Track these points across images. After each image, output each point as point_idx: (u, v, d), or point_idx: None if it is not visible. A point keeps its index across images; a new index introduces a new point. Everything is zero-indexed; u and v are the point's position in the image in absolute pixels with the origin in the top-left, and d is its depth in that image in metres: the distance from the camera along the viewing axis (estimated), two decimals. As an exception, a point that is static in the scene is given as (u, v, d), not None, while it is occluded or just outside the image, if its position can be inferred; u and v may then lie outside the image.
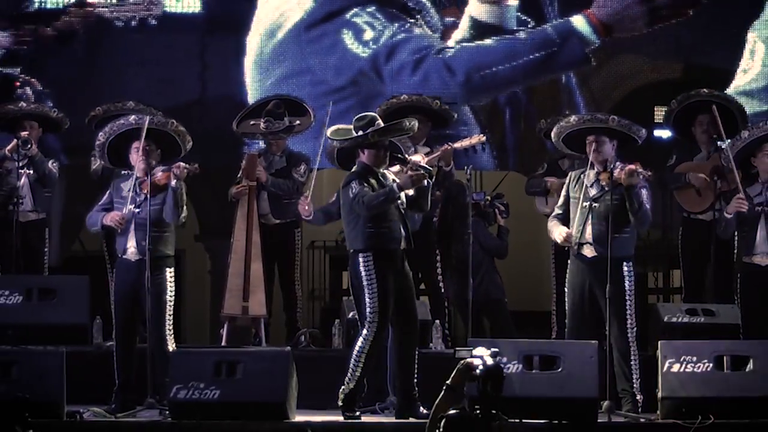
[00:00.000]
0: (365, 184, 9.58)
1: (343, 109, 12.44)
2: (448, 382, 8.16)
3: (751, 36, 13.30)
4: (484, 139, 11.12)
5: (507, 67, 13.26)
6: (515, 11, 13.35)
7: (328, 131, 9.90)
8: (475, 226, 11.75)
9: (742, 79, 13.27)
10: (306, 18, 13.32)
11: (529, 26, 13.30)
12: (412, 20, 13.31)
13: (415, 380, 9.73)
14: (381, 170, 9.69)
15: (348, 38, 13.31)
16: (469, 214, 11.35)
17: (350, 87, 13.24)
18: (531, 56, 13.29)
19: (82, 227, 11.57)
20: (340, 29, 13.31)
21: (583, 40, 13.27)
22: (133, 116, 10.13)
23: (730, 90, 13.06)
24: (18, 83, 13.21)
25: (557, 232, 10.02)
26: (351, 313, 10.34)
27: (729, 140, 10.82)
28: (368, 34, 13.30)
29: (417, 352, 9.81)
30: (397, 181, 9.64)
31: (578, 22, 13.29)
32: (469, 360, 8.17)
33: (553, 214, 10.22)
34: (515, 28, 13.36)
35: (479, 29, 13.37)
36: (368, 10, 13.30)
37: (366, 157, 9.69)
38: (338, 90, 13.18)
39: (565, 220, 10.07)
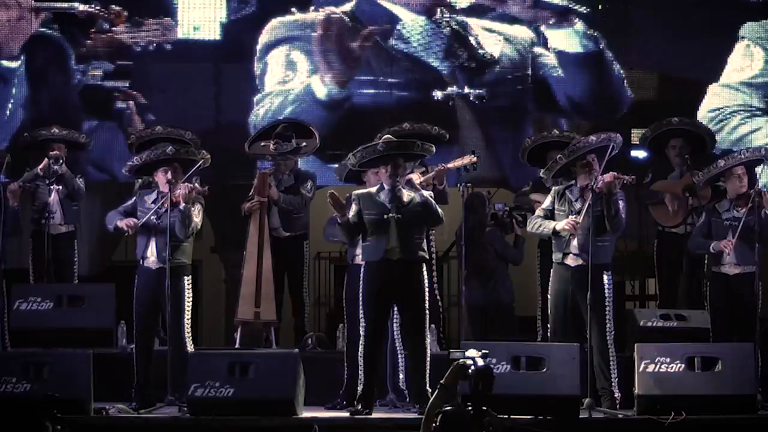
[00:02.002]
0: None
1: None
2: (442, 381, 8.18)
3: (744, 42, 13.29)
4: (475, 159, 11.11)
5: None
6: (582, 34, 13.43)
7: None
8: (492, 234, 11.85)
9: (741, 75, 13.30)
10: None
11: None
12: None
13: (428, 380, 9.70)
14: (394, 185, 9.73)
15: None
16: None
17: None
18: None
19: (120, 238, 11.62)
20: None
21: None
22: (170, 147, 10.20)
23: (730, 80, 13.23)
24: (121, 97, 13.24)
25: (554, 224, 9.96)
26: None
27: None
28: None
29: (427, 355, 9.81)
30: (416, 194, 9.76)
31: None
32: (462, 361, 8.20)
33: (536, 214, 10.22)
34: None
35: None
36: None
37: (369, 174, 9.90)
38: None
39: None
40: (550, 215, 10.10)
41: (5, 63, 13.24)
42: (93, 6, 13.22)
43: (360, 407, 9.64)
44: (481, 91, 13.25)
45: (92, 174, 12.94)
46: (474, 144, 12.98)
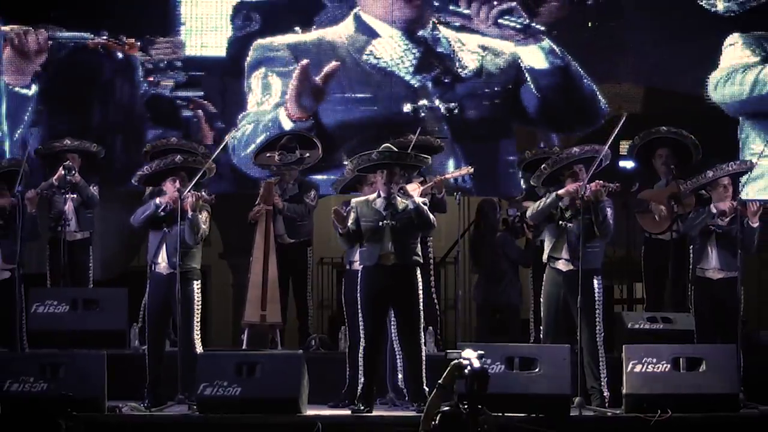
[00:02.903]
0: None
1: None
2: (440, 381, 8.19)
3: (732, 47, 13.30)
4: (471, 170, 11.14)
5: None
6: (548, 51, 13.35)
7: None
8: (503, 238, 11.91)
9: (740, 62, 13.25)
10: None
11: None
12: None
13: (424, 379, 9.76)
14: (388, 193, 9.76)
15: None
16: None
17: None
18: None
19: (141, 244, 11.62)
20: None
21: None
22: (178, 156, 10.30)
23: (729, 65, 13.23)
24: (191, 106, 13.24)
25: (555, 192, 9.98)
26: None
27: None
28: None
29: (423, 355, 9.85)
30: (412, 200, 9.80)
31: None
32: (458, 361, 8.21)
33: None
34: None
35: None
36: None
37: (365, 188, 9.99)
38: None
39: None
40: None
41: (20, 90, 13.23)
42: (104, 38, 13.20)
43: (361, 405, 9.66)
44: (453, 104, 13.20)
45: None
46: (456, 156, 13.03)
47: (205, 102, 13.31)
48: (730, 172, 10.48)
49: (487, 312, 12.06)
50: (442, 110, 13.21)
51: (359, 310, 9.82)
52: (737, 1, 13.29)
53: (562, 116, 13.35)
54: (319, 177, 12.35)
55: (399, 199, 9.81)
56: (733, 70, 13.26)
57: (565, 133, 13.25)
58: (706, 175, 10.51)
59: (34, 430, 9.18)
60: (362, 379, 9.78)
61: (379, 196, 9.82)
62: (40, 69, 13.24)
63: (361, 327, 9.81)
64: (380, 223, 9.74)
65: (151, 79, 13.27)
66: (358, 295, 9.81)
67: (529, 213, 10.40)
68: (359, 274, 9.86)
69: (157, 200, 10.12)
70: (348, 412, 9.75)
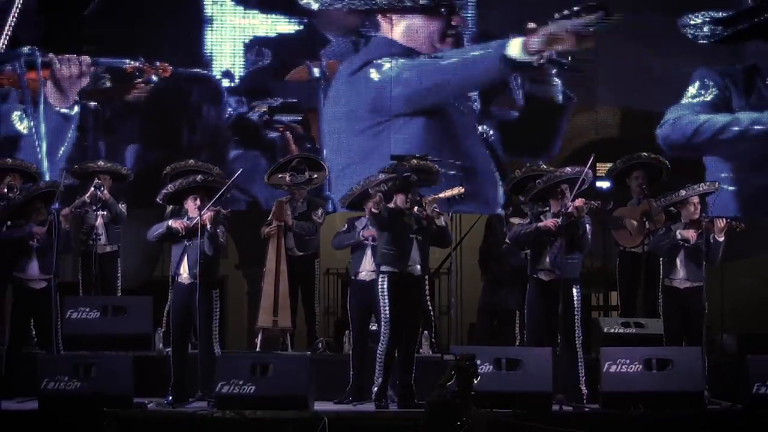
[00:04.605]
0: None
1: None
2: (440, 381, 8.25)
3: (698, 81, 13.35)
4: (462, 190, 11.20)
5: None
6: (561, 87, 13.30)
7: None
8: (509, 249, 11.97)
9: (694, 100, 13.25)
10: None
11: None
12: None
13: (413, 378, 9.87)
14: (404, 210, 9.88)
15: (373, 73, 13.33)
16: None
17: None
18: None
19: (159, 255, 11.68)
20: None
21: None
22: (199, 176, 10.42)
23: (686, 102, 13.22)
24: (281, 128, 13.31)
25: (535, 224, 10.08)
26: (374, 326, 10.47)
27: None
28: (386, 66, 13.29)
29: (415, 357, 9.95)
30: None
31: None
32: (453, 362, 8.30)
33: (518, 224, 10.39)
34: (562, 103, 13.28)
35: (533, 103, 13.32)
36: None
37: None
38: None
39: None
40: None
41: (63, 110, 13.30)
42: (140, 62, 13.27)
43: (383, 402, 9.75)
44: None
45: (236, 195, 12.81)
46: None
47: (297, 126, 13.34)
48: (700, 192, 10.59)
49: (486, 315, 12.12)
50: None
51: (385, 313, 9.82)
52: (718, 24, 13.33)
53: (525, 142, 13.41)
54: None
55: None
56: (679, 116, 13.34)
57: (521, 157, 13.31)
58: (678, 194, 10.60)
59: (69, 424, 9.27)
60: (380, 380, 9.80)
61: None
62: (84, 90, 13.29)
63: (385, 329, 9.82)
64: (410, 236, 9.86)
65: (254, 104, 13.31)
66: (386, 298, 9.80)
67: (510, 235, 10.47)
68: (384, 279, 9.86)
69: (171, 223, 10.18)
70: (352, 407, 9.83)
